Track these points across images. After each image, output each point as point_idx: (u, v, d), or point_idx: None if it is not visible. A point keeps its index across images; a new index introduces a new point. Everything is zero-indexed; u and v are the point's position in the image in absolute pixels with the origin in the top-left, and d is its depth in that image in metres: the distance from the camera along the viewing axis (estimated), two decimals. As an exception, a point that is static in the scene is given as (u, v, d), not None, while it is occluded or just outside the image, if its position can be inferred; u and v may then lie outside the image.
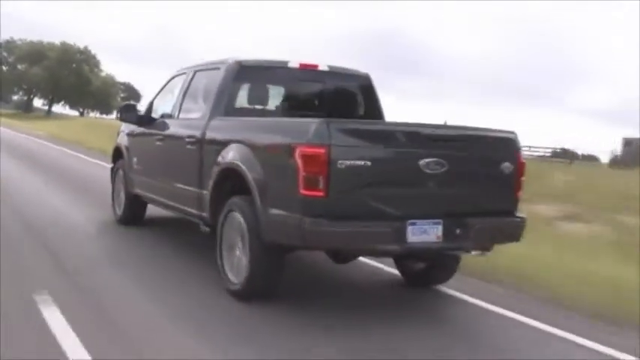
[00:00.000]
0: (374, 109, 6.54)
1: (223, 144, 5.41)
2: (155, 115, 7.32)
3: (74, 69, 71.27)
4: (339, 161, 4.30)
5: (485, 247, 5.02)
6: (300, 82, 6.30)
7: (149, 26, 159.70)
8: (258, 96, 6.15)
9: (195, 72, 6.67)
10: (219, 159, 5.39)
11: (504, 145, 5.06)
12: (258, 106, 6.09)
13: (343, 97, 6.49)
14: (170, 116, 6.86)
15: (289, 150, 4.46)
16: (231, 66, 5.91)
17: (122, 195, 8.06)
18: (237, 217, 5.05)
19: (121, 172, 8.12)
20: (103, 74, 76.39)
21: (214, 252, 5.41)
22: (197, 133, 5.84)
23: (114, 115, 78.39)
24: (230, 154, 5.24)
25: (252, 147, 4.98)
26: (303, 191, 4.31)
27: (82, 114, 77.34)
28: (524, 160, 5.11)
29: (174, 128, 6.63)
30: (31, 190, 10.70)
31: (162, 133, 6.78)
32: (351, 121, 4.58)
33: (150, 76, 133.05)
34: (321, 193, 4.28)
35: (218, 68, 6.05)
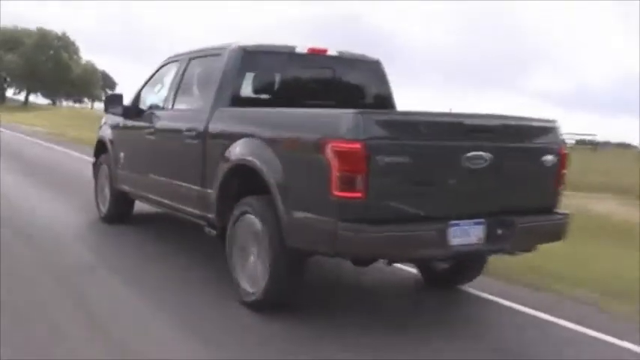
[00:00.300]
0: (385, 98, 6.05)
1: (231, 138, 4.87)
2: (143, 106, 6.75)
3: (52, 56, 66.43)
4: (378, 157, 3.80)
5: (527, 248, 4.59)
6: (308, 69, 5.74)
7: (114, 14, 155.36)
8: (264, 84, 5.60)
9: (190, 59, 6.07)
10: (227, 154, 4.85)
11: (547, 136, 4.62)
12: (263, 96, 5.54)
13: (353, 85, 5.98)
14: (162, 108, 6.28)
15: (318, 146, 3.93)
16: (234, 51, 5.34)
17: (107, 191, 7.46)
18: (253, 219, 4.53)
19: (105, 167, 7.51)
20: (82, 62, 71.41)
21: (209, 249, 4.89)
22: (199, 126, 5.27)
23: (88, 104, 74.84)
24: (241, 150, 4.71)
25: (269, 141, 4.43)
26: (336, 192, 3.79)
27: (54, 103, 73.85)
28: (566, 152, 4.68)
29: (168, 120, 6.05)
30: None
31: (155, 125, 6.19)
32: (388, 112, 4.08)
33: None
34: (358, 195, 3.77)
35: (219, 54, 5.48)
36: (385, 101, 6.01)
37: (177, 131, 5.65)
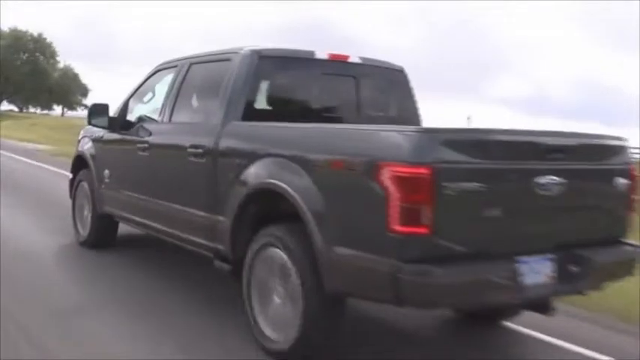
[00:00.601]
0: (410, 109, 5.43)
1: (249, 156, 4.18)
2: (131, 117, 6.00)
3: (28, 59, 62.02)
4: (446, 184, 3.15)
5: (597, 287, 3.98)
6: (329, 77, 5.07)
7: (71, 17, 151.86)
8: (280, 94, 4.93)
9: (190, 64, 5.36)
10: (245, 176, 4.15)
11: (618, 155, 4.03)
12: (280, 107, 4.87)
13: (377, 95, 5.34)
14: (156, 120, 5.54)
15: (371, 169, 3.26)
16: (247, 56, 4.65)
17: (87, 213, 6.67)
18: (279, 253, 3.83)
19: (85, 186, 6.72)
20: (60, 65, 67.40)
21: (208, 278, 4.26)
22: (207, 142, 4.56)
23: (59, 111, 71.17)
24: (263, 171, 4.02)
25: (301, 162, 3.73)
26: (397, 227, 3.11)
27: (21, 110, 70.33)
28: (637, 173, 4.09)
29: (166, 135, 5.32)
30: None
31: (149, 140, 5.44)
32: (456, 129, 3.46)
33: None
34: (424, 230, 3.10)
35: (228, 59, 4.78)
36: (411, 113, 5.40)
37: (179, 147, 4.93)
